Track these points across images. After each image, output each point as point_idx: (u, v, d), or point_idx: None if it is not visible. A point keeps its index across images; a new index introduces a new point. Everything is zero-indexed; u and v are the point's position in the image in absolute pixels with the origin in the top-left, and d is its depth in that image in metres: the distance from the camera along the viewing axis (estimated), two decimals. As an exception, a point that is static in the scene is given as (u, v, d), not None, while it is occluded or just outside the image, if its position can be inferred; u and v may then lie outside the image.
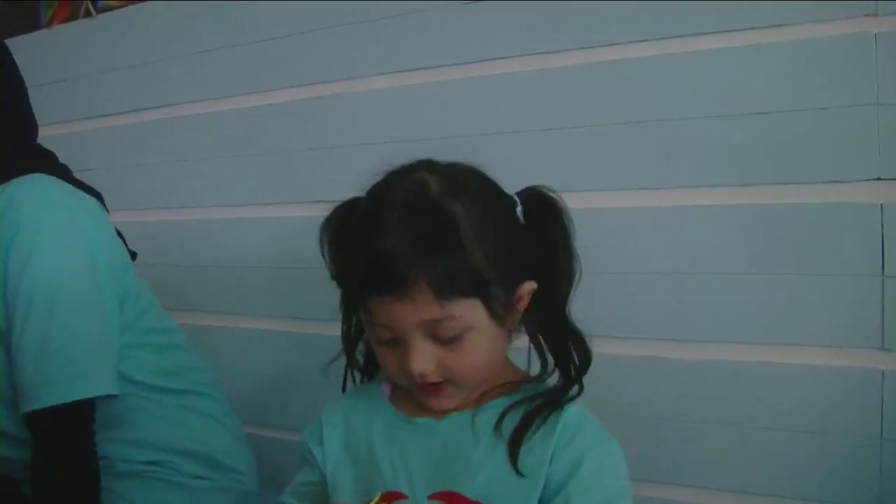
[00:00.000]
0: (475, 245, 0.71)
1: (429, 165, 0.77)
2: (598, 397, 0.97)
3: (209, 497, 1.09)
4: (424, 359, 0.72)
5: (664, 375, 1.07)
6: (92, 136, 1.60)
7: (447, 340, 0.72)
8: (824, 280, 0.98)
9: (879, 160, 0.94)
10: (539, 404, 0.75)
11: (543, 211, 0.79)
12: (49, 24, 1.70)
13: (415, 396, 0.78)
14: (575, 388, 0.78)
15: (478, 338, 0.73)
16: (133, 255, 1.14)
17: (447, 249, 0.70)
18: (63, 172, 1.06)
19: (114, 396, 0.97)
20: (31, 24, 1.70)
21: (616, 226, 1.09)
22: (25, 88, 1.10)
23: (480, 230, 0.71)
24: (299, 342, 1.36)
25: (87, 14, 1.63)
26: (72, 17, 1.66)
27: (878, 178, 0.95)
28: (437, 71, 1.23)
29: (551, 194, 0.80)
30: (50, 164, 1.07)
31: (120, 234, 1.12)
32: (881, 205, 0.94)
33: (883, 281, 0.94)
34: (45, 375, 0.92)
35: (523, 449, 0.73)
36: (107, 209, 1.10)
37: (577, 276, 0.79)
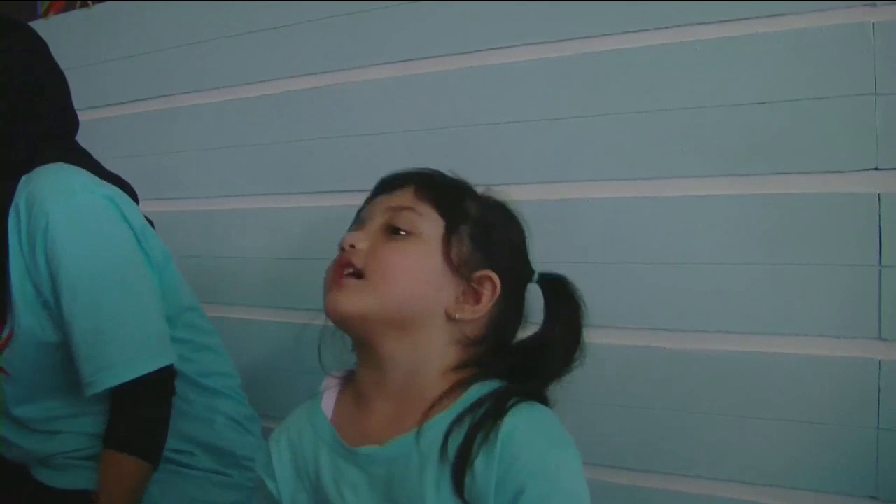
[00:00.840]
0: (476, 205, 0.78)
1: None
2: (593, 387, 0.98)
3: (222, 492, 1.10)
4: (364, 232, 0.75)
5: (660, 365, 1.07)
6: (88, 127, 1.58)
7: (393, 233, 0.74)
8: (822, 270, 0.97)
9: (877, 150, 0.94)
10: (481, 416, 0.69)
11: (560, 294, 0.78)
12: (45, 14, 1.70)
13: (324, 299, 0.74)
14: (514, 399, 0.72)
15: (418, 246, 0.74)
16: None
17: (449, 184, 0.79)
18: (95, 169, 1.06)
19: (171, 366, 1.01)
20: (28, 14, 1.70)
21: (612, 216, 1.09)
22: (67, 84, 1.12)
23: (487, 213, 0.78)
24: (295, 333, 1.36)
25: (84, 5, 1.62)
26: (68, 7, 1.65)
27: (876, 168, 0.94)
28: (436, 61, 1.22)
29: (570, 284, 0.79)
30: (84, 161, 1.07)
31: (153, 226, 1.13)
32: (879, 194, 0.94)
33: (880, 271, 0.94)
34: (103, 359, 0.96)
35: (468, 478, 0.68)
36: (138, 205, 1.10)
37: (577, 364, 0.77)
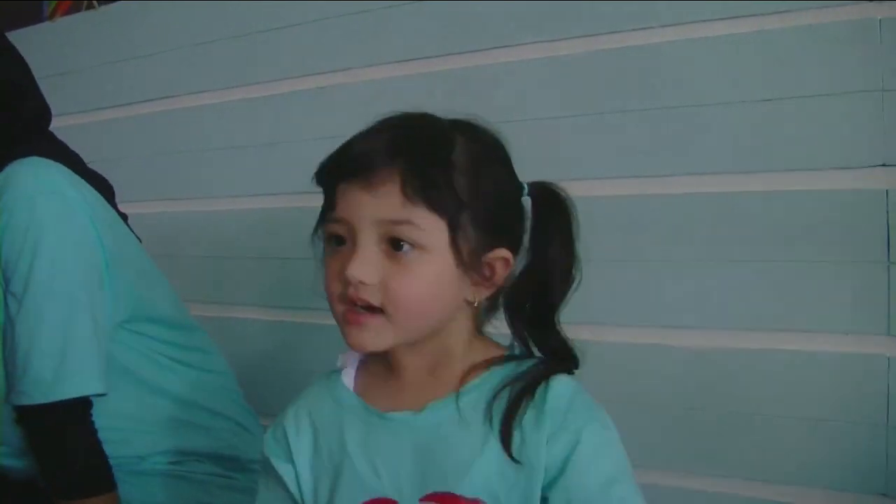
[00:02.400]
0: (463, 171, 0.67)
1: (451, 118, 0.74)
2: (600, 385, 0.97)
3: (228, 496, 1.09)
4: (369, 264, 0.66)
5: (668, 363, 1.06)
6: (92, 128, 1.60)
7: (397, 252, 0.66)
8: (830, 267, 0.97)
9: (885, 146, 0.94)
10: (526, 383, 0.69)
11: (550, 205, 0.75)
12: (51, 16, 1.70)
13: (341, 330, 0.70)
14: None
15: (429, 264, 0.67)
16: None
17: (432, 156, 0.67)
18: (72, 161, 1.03)
19: (102, 395, 0.94)
20: (34, 17, 1.70)
21: (621, 213, 1.09)
22: (33, 75, 1.08)
23: (475, 164, 0.68)
24: (297, 331, 1.37)
25: (90, 6, 1.63)
26: (74, 9, 1.66)
27: (884, 164, 0.94)
28: (440, 60, 1.22)
29: (561, 192, 0.76)
30: (60, 151, 1.05)
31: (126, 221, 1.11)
32: (886, 191, 0.94)
33: (889, 267, 0.94)
34: (33, 372, 0.91)
35: (515, 436, 0.67)
36: (114, 200, 1.08)
37: (577, 280, 0.74)
